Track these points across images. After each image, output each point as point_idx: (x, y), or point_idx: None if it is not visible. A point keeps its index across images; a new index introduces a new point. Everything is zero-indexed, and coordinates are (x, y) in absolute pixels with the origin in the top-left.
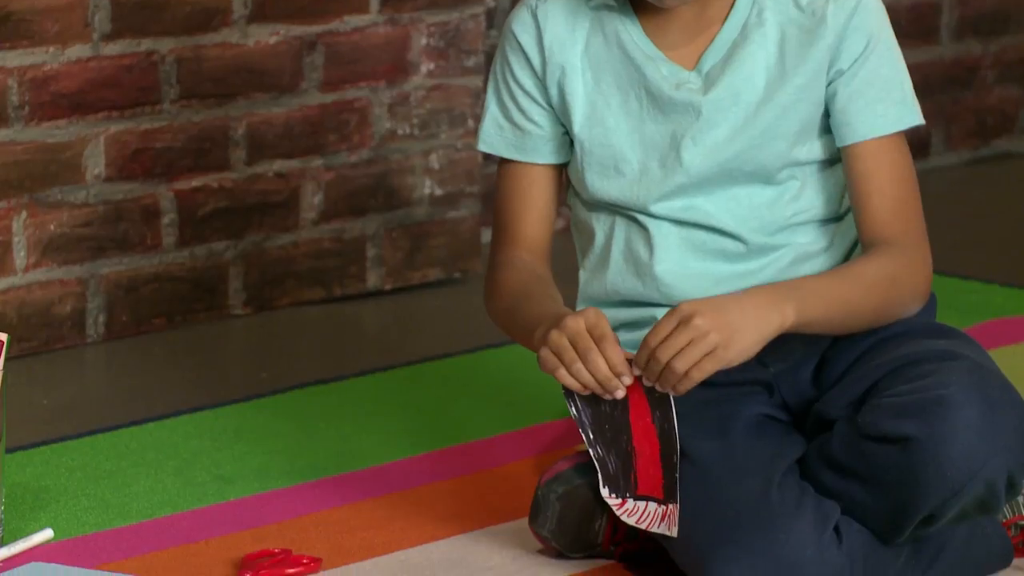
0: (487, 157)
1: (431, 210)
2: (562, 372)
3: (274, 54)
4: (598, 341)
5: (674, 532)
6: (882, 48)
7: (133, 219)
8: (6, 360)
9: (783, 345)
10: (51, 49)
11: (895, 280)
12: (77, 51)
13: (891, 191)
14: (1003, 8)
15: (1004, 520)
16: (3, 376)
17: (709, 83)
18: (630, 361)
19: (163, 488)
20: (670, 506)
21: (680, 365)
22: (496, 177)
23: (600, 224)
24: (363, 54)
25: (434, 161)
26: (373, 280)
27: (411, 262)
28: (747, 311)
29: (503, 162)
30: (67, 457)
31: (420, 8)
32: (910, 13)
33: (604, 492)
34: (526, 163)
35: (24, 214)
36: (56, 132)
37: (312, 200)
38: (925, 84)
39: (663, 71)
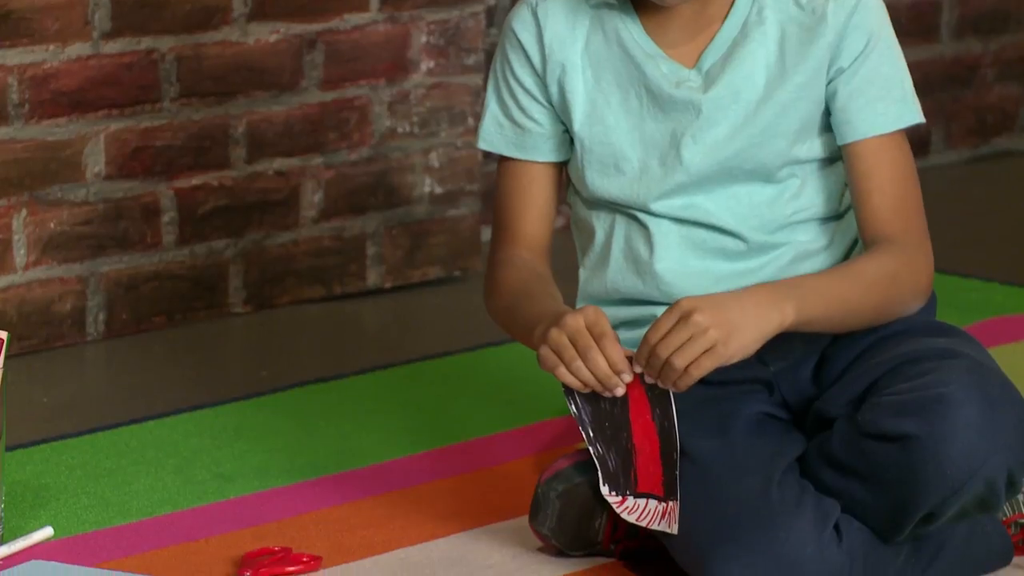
0: (487, 155)
1: (431, 208)
2: (562, 370)
3: (274, 52)
4: (598, 339)
5: (674, 529)
6: (883, 46)
7: (133, 217)
8: (6, 358)
9: (783, 343)
10: (51, 47)
11: (896, 278)
12: (77, 49)
13: (892, 189)
14: (1003, 6)
15: (1004, 518)
16: (3, 374)
17: (709, 81)
18: (630, 359)
19: (163, 486)
20: (670, 504)
21: (679, 361)
22: (496, 175)
23: (600, 222)
24: (363, 52)
25: (434, 159)
26: (373, 278)
27: (411, 260)
28: (747, 309)
29: (503, 160)
30: (67, 455)
31: (420, 6)
32: (910, 11)
33: (604, 490)
34: (526, 161)
35: (24, 212)
36: (56, 130)
37: (312, 198)
38: (925, 82)
39: (663, 69)
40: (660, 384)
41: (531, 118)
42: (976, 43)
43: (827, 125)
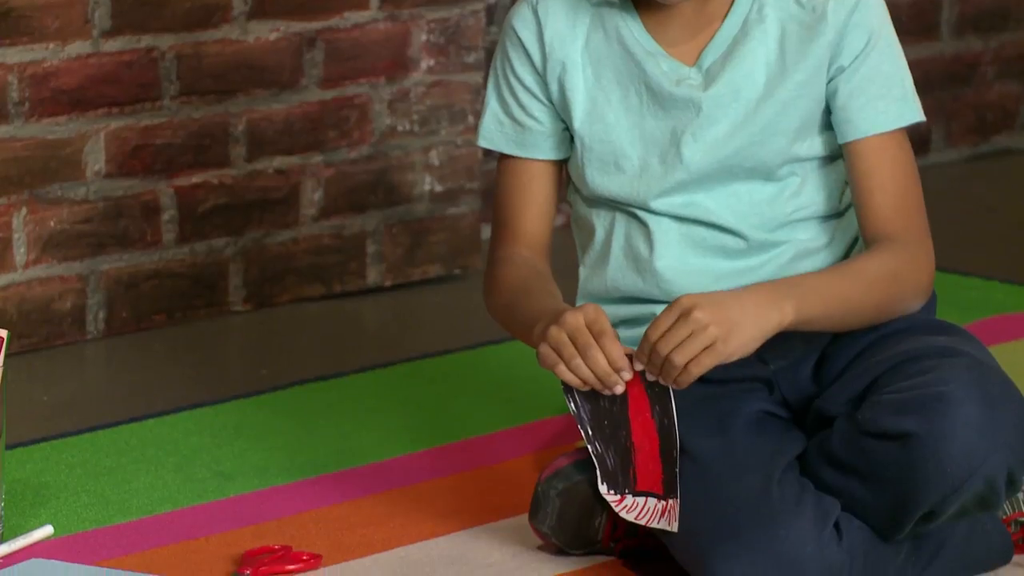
0: (487, 153)
1: (431, 206)
2: (561, 368)
3: (274, 50)
4: (597, 337)
5: (675, 528)
6: (883, 45)
7: (133, 215)
8: (6, 356)
9: (783, 342)
10: (51, 45)
11: (896, 277)
12: (77, 47)
13: (893, 187)
14: (1003, 4)
15: (1004, 517)
16: (3, 372)
17: (709, 79)
18: (630, 357)
19: (163, 484)
20: (670, 501)
21: (679, 358)
22: (496, 173)
23: (600, 220)
24: (363, 50)
25: (434, 157)
26: (373, 276)
27: (411, 258)
28: (747, 307)
29: (503, 158)
30: (67, 453)
31: (420, 4)
32: (910, 9)
33: (602, 488)
34: (526, 159)
35: (24, 210)
36: (56, 128)
37: (312, 196)
38: (925, 80)
39: (663, 67)
40: (660, 382)
41: (531, 116)
42: (976, 41)
43: (827, 123)
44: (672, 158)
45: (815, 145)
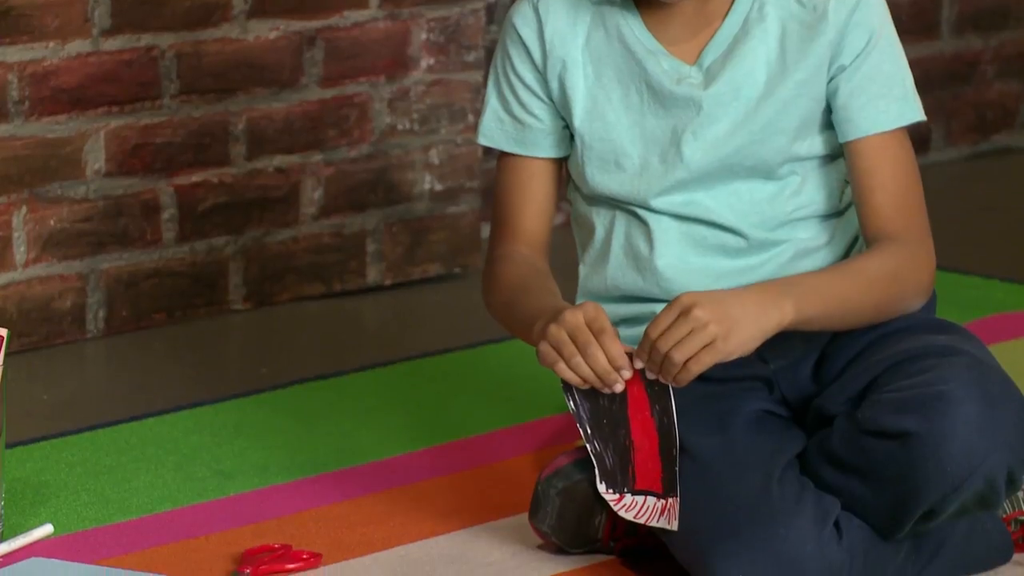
0: (487, 152)
1: (431, 205)
2: (561, 366)
3: (274, 49)
4: (597, 335)
5: (674, 526)
6: (884, 44)
7: (133, 214)
8: (6, 355)
9: (783, 341)
10: (51, 44)
11: (897, 276)
12: (77, 46)
13: (894, 187)
14: (1003, 3)
15: (1004, 516)
16: (3, 371)
17: (710, 78)
18: (629, 355)
19: (163, 483)
20: (669, 500)
21: (679, 356)
22: (496, 171)
23: (600, 219)
24: (363, 49)
25: (434, 156)
26: (373, 275)
27: (411, 257)
28: (747, 306)
29: (503, 155)
30: (67, 452)
31: (420, 3)
32: (910, 8)
33: (601, 488)
34: (526, 157)
35: (24, 209)
36: (56, 127)
37: (312, 195)
38: (925, 79)
39: (664, 66)
40: (660, 380)
41: (531, 114)
42: (976, 40)
43: (828, 122)
44: (672, 157)
45: (815, 144)
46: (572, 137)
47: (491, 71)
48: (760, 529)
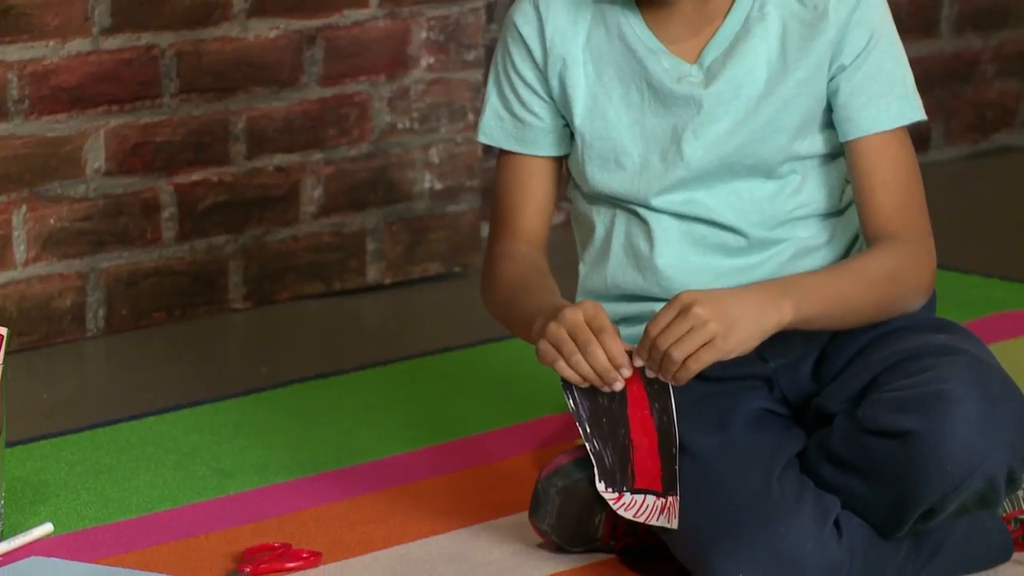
0: (487, 151)
1: (431, 204)
2: (561, 364)
3: (274, 48)
4: (597, 333)
5: (674, 524)
6: (885, 43)
7: (133, 213)
8: (6, 354)
9: (783, 340)
10: (51, 43)
11: (897, 275)
12: (77, 45)
13: (894, 186)
14: (1002, 2)
15: (1004, 515)
16: (3, 370)
17: (710, 77)
18: (629, 354)
19: (163, 482)
20: (669, 498)
21: (678, 353)
22: (495, 169)
23: (600, 217)
24: (363, 48)
25: (434, 155)
26: (373, 274)
27: (411, 256)
28: (747, 305)
29: (503, 153)
30: (67, 451)
31: (420, 2)
32: (910, 7)
33: (600, 487)
34: (526, 155)
35: (24, 208)
36: (56, 126)
37: (312, 194)
38: (925, 78)
39: (664, 64)
40: (660, 378)
41: (531, 112)
42: (976, 39)
43: (828, 121)
44: (673, 155)
45: (816, 143)
46: (572, 136)
47: (491, 69)
48: (760, 528)
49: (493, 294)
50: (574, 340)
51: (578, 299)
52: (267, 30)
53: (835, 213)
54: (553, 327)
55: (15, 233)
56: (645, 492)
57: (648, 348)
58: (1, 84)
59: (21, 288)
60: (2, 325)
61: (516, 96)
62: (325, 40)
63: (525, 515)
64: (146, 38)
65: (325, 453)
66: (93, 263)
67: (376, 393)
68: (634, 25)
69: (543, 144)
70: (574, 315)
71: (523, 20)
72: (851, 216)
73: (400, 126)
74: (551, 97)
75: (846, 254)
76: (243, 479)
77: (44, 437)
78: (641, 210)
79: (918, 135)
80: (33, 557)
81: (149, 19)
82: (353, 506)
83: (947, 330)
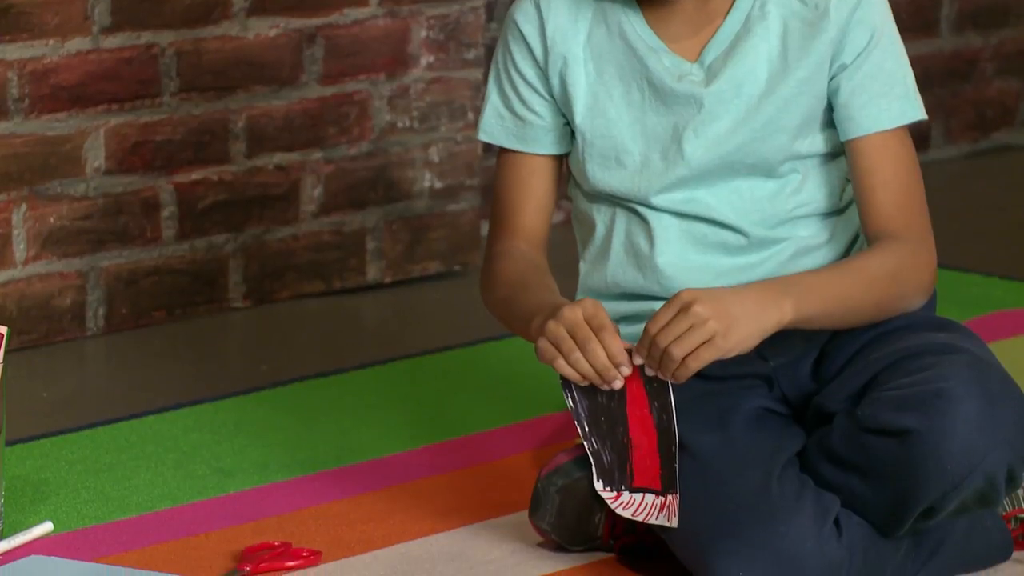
0: (487, 149)
1: (431, 203)
2: (560, 362)
3: (274, 47)
4: (596, 331)
5: (674, 523)
6: (886, 42)
7: (133, 212)
8: (6, 353)
9: (783, 339)
10: (51, 42)
11: (898, 275)
12: (77, 44)
13: (895, 185)
14: (1002, 1)
15: (1004, 513)
16: (3, 369)
17: (711, 75)
18: (629, 352)
19: (163, 481)
20: (669, 497)
21: (678, 351)
22: (496, 167)
23: (601, 216)
24: (363, 47)
25: (434, 154)
26: (373, 273)
27: (411, 255)
28: (747, 304)
29: (503, 152)
30: (67, 450)
31: (420, 1)
32: (910, 6)
33: (598, 486)
34: (526, 153)
35: (24, 207)
36: (56, 125)
37: (312, 193)
38: (925, 77)
39: (665, 63)
40: (659, 376)
41: (532, 110)
42: (975, 37)
43: (829, 120)
44: (673, 154)
45: (816, 142)
46: (572, 134)
47: (492, 67)
48: (760, 527)
49: (493, 292)
50: (573, 338)
51: (578, 297)
52: (267, 29)
53: (835, 212)
54: (552, 325)
55: (15, 232)
56: (644, 491)
57: (648, 346)
58: (1, 83)
59: (21, 287)
60: (2, 324)
61: (517, 94)
62: (325, 39)
63: (525, 514)
64: (146, 37)
65: (325, 452)
66: (93, 262)
67: (376, 392)
68: (635, 23)
69: (543, 142)
70: (573, 313)
71: (524, 18)
72: (851, 215)
73: (400, 125)
74: (552, 95)
75: (846, 253)
76: (243, 478)
77: (44, 436)
78: (641, 209)
79: (918, 134)
80: (33, 556)
81: (149, 18)
82: (353, 505)
83: (947, 329)
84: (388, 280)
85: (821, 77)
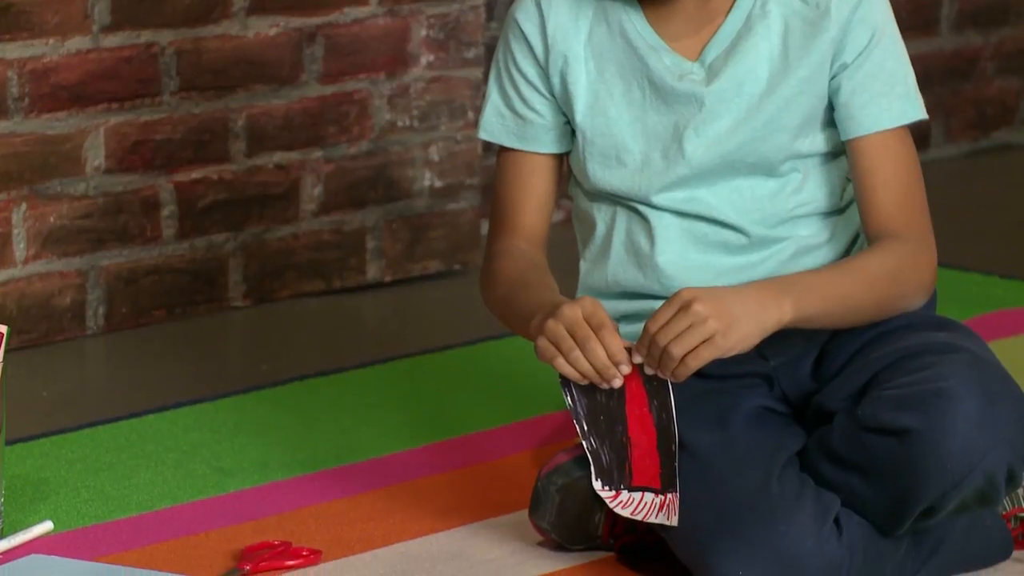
0: (487, 148)
1: (431, 202)
2: (560, 361)
3: (274, 46)
4: (596, 329)
5: (674, 521)
6: (886, 41)
7: (133, 211)
8: (6, 352)
9: (783, 338)
10: (51, 41)
11: (898, 274)
12: (77, 43)
13: (896, 185)
14: (1002, 0)
15: (1004, 512)
16: (3, 368)
17: (712, 74)
18: (628, 350)
19: (163, 480)
20: (668, 495)
21: (678, 349)
22: (496, 166)
23: (601, 214)
24: (363, 46)
25: (434, 153)
26: (373, 272)
27: (411, 254)
28: (747, 303)
29: (503, 150)
30: (67, 449)
31: (420, 0)
32: (910, 5)
33: (597, 485)
34: (526, 152)
35: (24, 206)
36: (56, 124)
37: (312, 192)
38: (925, 76)
39: (666, 61)
40: (659, 375)
41: (533, 109)
42: (976, 36)
43: (829, 119)
44: (674, 153)
45: (817, 141)
46: (573, 133)
47: (493, 66)
48: (760, 526)
49: (492, 291)
50: (573, 337)
51: (579, 296)
52: (267, 28)
53: (836, 212)
54: (552, 324)
55: (15, 231)
56: (643, 489)
57: (647, 344)
58: (1, 82)
59: (21, 286)
60: (2, 323)
61: (517, 93)
62: (325, 38)
63: (525, 513)
64: (146, 36)
65: (325, 451)
66: (93, 261)
67: (376, 391)
68: (636, 22)
69: (544, 141)
70: (573, 312)
71: (525, 17)
72: (852, 215)
73: (400, 124)
74: (552, 94)
75: (847, 253)
76: (243, 477)
77: (44, 435)
78: (642, 207)
79: (918, 133)
80: (33, 555)
81: (149, 17)
82: (353, 504)
83: (947, 328)
84: (388, 279)
85: (822, 76)
